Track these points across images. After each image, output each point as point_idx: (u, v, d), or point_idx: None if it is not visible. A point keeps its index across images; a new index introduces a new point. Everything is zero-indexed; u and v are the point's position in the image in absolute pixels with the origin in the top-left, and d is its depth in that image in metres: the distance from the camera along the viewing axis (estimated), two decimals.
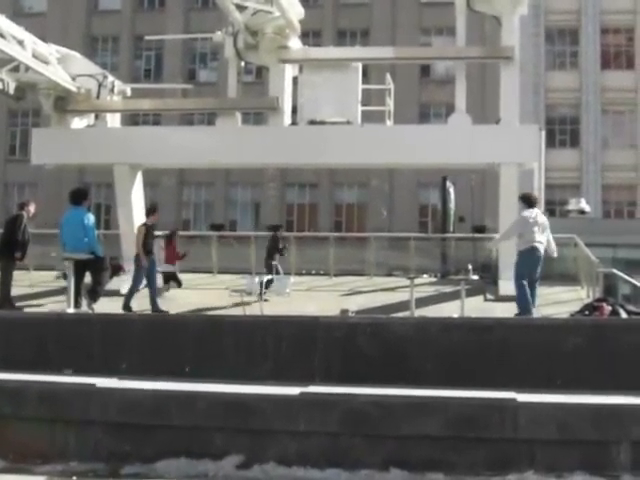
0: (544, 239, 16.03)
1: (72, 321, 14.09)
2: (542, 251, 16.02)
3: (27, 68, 21.30)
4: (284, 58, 22.36)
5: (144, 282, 19.00)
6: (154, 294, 18.69)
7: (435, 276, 23.96)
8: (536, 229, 15.86)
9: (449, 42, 38.52)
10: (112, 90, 23.23)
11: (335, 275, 24.82)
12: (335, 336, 12.26)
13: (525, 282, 15.79)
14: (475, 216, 37.40)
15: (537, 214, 16.11)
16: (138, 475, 9.58)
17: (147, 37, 36.30)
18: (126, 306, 18.27)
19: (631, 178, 49.52)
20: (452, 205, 28.95)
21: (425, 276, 23.25)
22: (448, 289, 21.36)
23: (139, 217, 23.29)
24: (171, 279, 23.31)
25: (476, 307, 19.18)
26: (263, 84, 28.82)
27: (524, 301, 15.68)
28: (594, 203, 47.19)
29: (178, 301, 20.54)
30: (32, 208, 18.42)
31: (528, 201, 16.36)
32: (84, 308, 16.66)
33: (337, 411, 9.84)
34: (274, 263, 24.12)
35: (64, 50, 22.86)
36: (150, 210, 20.20)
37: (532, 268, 15.99)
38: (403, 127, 24.32)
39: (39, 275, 23.29)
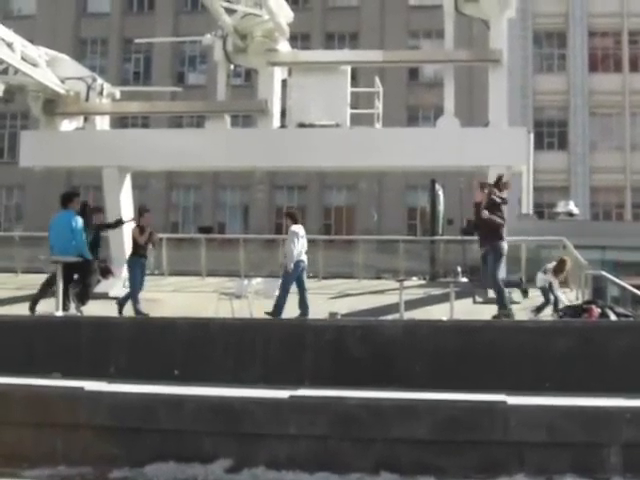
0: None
1: (60, 324, 14.05)
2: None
3: (16, 70, 21.22)
4: (273, 61, 22.34)
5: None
6: (135, 296, 18.45)
7: (424, 279, 23.90)
8: (304, 241, 17.73)
9: (437, 45, 38.43)
10: (101, 93, 23.14)
11: (324, 278, 24.73)
12: (324, 339, 12.25)
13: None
14: (464, 219, 37.35)
15: (301, 228, 17.83)
16: (127, 479, 9.54)
17: (136, 40, 36.20)
18: (137, 312, 18.09)
19: (619, 180, 49.53)
20: (441, 207, 28.87)
21: (414, 279, 23.17)
22: (437, 292, 21.32)
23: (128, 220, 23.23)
24: None
25: (465, 310, 19.19)
26: (252, 87, 28.83)
27: (283, 303, 17.34)
28: (582, 205, 47.16)
29: (167, 304, 20.43)
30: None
31: (294, 217, 18.19)
32: (72, 311, 16.60)
33: (327, 414, 9.82)
34: None
35: (53, 53, 22.80)
36: (139, 212, 20.05)
37: (299, 277, 17.76)
38: (392, 130, 24.29)
39: (27, 278, 23.16)
